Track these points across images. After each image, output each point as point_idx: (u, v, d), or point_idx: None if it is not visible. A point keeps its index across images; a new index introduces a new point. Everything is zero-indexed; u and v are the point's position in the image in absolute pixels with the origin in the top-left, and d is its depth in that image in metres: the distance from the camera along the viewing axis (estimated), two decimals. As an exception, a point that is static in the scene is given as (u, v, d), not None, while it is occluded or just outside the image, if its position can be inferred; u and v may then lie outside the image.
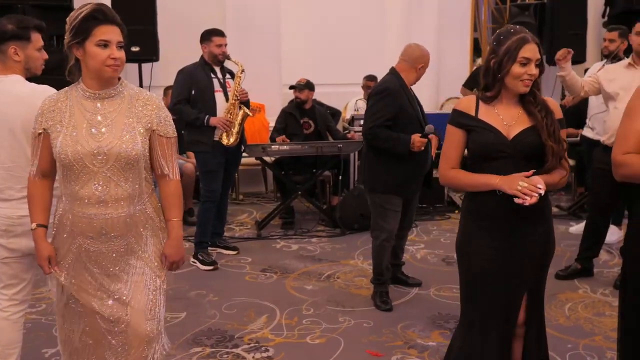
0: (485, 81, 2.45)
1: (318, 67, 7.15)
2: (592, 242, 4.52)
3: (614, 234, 5.21)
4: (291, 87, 6.25)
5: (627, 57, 4.49)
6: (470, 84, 7.15)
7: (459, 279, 2.56)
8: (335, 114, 7.14)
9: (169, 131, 2.34)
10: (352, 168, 6.38)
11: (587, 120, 5.68)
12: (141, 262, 2.34)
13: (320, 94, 6.86)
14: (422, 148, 3.90)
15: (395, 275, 4.41)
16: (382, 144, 3.95)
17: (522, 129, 2.39)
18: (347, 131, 6.58)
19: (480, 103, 2.46)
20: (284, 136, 6.05)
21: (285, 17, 7.38)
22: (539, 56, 2.35)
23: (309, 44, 7.49)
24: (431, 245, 5.26)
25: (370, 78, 6.87)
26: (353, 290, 4.35)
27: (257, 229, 5.72)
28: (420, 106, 4.19)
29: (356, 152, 6.18)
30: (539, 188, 2.23)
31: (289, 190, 5.95)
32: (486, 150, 2.41)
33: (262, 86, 7.00)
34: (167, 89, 6.05)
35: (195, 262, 4.80)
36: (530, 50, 2.33)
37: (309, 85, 6.15)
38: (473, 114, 2.45)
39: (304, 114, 6.21)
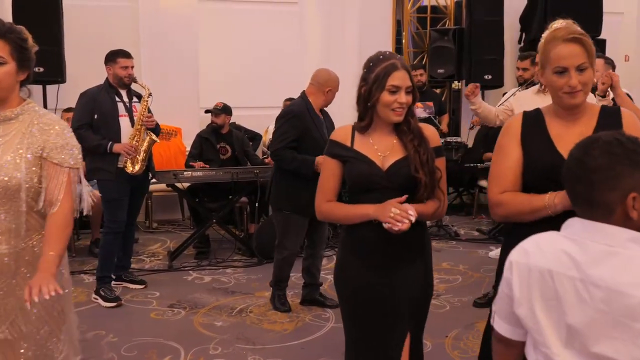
0: (359, 110, 2.35)
1: (237, 90, 6.98)
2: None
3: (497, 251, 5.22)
4: (207, 111, 6.04)
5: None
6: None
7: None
8: (255, 137, 6.96)
9: (65, 159, 2.08)
10: (271, 194, 6.18)
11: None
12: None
13: (240, 117, 6.67)
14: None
15: (313, 297, 4.40)
16: (287, 165, 4.09)
17: (396, 159, 2.31)
18: (266, 156, 6.41)
19: (356, 133, 2.37)
20: (202, 162, 5.80)
21: (203, 40, 7.18)
22: (409, 83, 2.27)
23: (228, 66, 7.31)
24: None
25: (291, 101, 6.74)
26: (266, 326, 4.12)
27: (169, 260, 5.43)
28: (331, 129, 4.16)
29: (274, 178, 6.00)
30: (410, 214, 2.14)
31: (204, 218, 5.70)
32: (361, 181, 2.32)
33: (178, 109, 6.77)
34: (66, 110, 5.79)
35: (96, 299, 4.47)
36: (399, 78, 2.24)
37: (225, 110, 5.94)
38: (348, 144, 2.35)
39: (221, 138, 5.99)
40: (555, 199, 1.96)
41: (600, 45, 6.81)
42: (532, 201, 2.04)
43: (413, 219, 2.15)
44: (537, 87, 4.45)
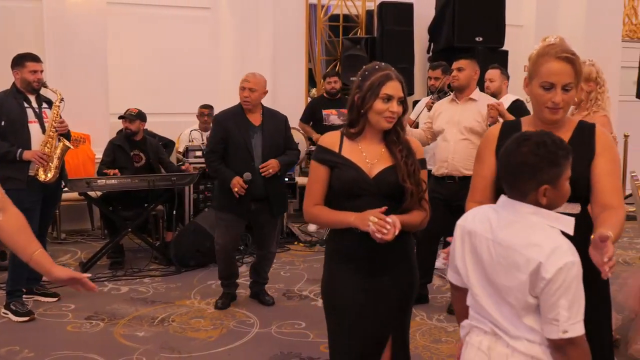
0: (350, 117, 2.42)
1: (149, 95, 6.83)
2: (424, 269, 4.62)
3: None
4: (120, 117, 5.85)
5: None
6: (306, 118, 7.20)
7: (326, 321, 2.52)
8: (168, 144, 6.81)
9: None
10: (187, 201, 6.08)
11: (425, 155, 5.88)
12: None
13: (153, 124, 6.51)
14: (237, 189, 4.24)
15: (254, 290, 4.72)
16: (212, 172, 4.55)
17: (384, 167, 2.37)
18: (181, 163, 6.29)
19: (345, 139, 2.43)
20: (116, 170, 5.59)
21: (112, 43, 6.96)
22: (401, 94, 2.35)
23: (139, 71, 7.13)
24: (270, 280, 5.09)
25: (206, 107, 6.67)
26: (190, 334, 4.05)
27: (82, 271, 5.21)
28: (269, 136, 4.39)
29: (191, 185, 5.92)
30: (388, 225, 2.20)
31: (118, 227, 5.52)
32: (348, 187, 2.37)
33: (87, 115, 6.52)
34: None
35: (7, 314, 4.23)
36: (393, 88, 2.32)
37: (140, 116, 5.77)
38: (337, 150, 2.41)
39: (134, 145, 5.81)
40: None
41: (502, 56, 7.17)
42: None
43: (396, 231, 2.21)
44: (451, 96, 4.65)
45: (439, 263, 5.05)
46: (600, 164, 2.16)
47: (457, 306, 2.07)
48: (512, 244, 1.76)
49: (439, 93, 5.49)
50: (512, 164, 1.80)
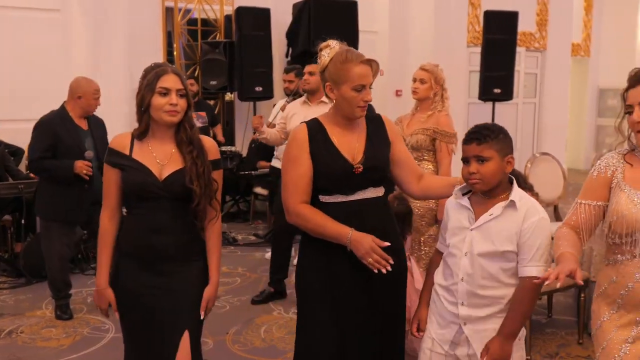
0: (137, 118, 2.41)
1: (-3, 102, 6.47)
2: (280, 264, 4.75)
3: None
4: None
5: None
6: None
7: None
8: (17, 152, 6.48)
9: None
10: (39, 210, 5.82)
11: (275, 152, 6.03)
12: None
13: (3, 131, 6.19)
14: (86, 170, 4.14)
15: None
16: (46, 173, 4.29)
17: (174, 169, 2.37)
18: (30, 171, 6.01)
19: (135, 141, 2.41)
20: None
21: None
22: (180, 86, 2.37)
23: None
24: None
25: (57, 113, 6.42)
26: (40, 344, 3.92)
27: None
28: (100, 140, 4.37)
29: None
30: (389, 264, 2.26)
31: (-39, 240, 5.20)
32: (137, 190, 2.36)
33: None
34: None
35: None
36: (170, 81, 2.34)
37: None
38: (127, 152, 2.39)
39: (-22, 152, 5.50)
40: (352, 236, 2.27)
41: (357, 60, 7.47)
42: (326, 227, 2.32)
43: (389, 268, 2.26)
44: (303, 98, 4.82)
45: (268, 255, 5.20)
46: (399, 148, 2.52)
47: None
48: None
49: (293, 96, 5.66)
50: (482, 134, 2.19)
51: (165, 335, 2.37)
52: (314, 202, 2.41)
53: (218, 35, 8.02)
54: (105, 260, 2.44)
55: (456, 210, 2.30)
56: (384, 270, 2.25)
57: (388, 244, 2.27)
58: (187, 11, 7.78)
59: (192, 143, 2.38)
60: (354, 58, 2.35)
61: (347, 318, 2.40)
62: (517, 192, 2.20)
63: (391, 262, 2.25)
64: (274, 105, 6.84)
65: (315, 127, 2.44)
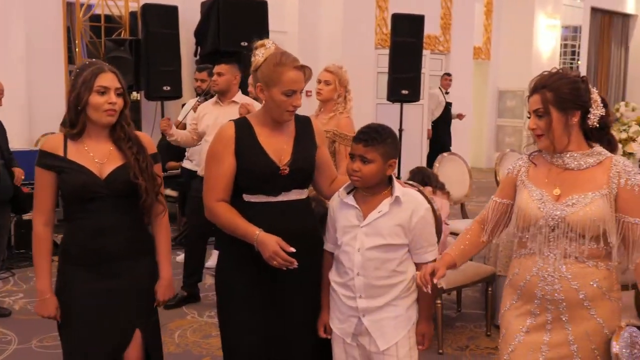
0: (70, 117, 2.32)
1: None
2: (194, 267, 4.66)
3: (215, 258, 5.47)
4: None
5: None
6: (66, 123, 6.82)
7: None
8: None
9: None
10: None
11: (187, 153, 5.92)
12: None
13: None
14: None
15: None
16: None
17: (115, 167, 2.32)
18: None
19: (69, 141, 2.32)
20: None
21: None
22: (118, 85, 2.32)
23: None
24: (32, 294, 4.77)
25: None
26: None
27: None
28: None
29: None
30: (294, 265, 2.25)
31: None
32: (79, 192, 2.28)
33: None
34: None
35: None
36: (107, 79, 2.29)
37: None
38: (61, 154, 2.30)
39: None
40: (258, 237, 2.26)
41: (267, 60, 7.44)
42: (237, 226, 2.32)
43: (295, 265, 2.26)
44: (215, 98, 4.75)
45: (210, 262, 5.11)
46: (323, 151, 2.56)
47: None
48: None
49: (205, 95, 5.57)
50: (372, 138, 2.30)
51: (116, 336, 2.33)
52: (238, 200, 2.39)
53: (123, 32, 7.76)
54: (46, 268, 2.35)
55: (343, 209, 2.39)
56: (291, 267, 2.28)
57: (293, 249, 2.24)
58: (90, 7, 7.48)
59: (130, 139, 2.34)
60: (288, 62, 2.34)
61: (273, 315, 2.40)
62: (399, 188, 2.35)
63: (295, 265, 2.25)
64: (183, 105, 6.72)
65: (243, 126, 2.42)
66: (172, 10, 7.27)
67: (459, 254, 2.33)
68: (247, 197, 2.39)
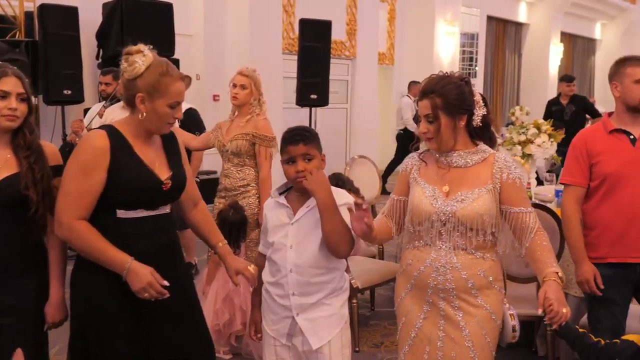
0: None
1: None
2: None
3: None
4: None
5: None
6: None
7: None
8: None
9: None
10: None
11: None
12: None
13: None
14: None
15: None
16: None
17: (6, 175, 2.20)
18: None
19: None
20: None
21: None
22: (21, 90, 2.22)
23: None
24: None
25: None
26: None
27: None
28: None
29: None
30: (164, 294, 2.15)
31: None
32: None
33: None
34: None
35: None
36: (9, 83, 2.19)
37: None
38: None
39: None
40: (130, 267, 2.12)
41: (175, 64, 7.25)
42: (105, 251, 2.14)
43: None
44: (122, 102, 4.58)
45: None
46: (187, 169, 2.48)
47: None
48: None
49: (111, 100, 5.38)
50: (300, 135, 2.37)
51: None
52: (109, 217, 2.21)
53: (18, 33, 7.38)
54: None
55: (273, 209, 2.42)
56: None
57: (167, 283, 2.15)
58: (-19, 6, 7.07)
59: (30, 148, 2.22)
60: (175, 74, 2.24)
61: (146, 345, 2.27)
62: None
63: (167, 296, 2.16)
64: (86, 110, 6.48)
65: (116, 137, 2.23)
66: (72, 11, 6.98)
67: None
68: (122, 214, 2.22)
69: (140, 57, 2.20)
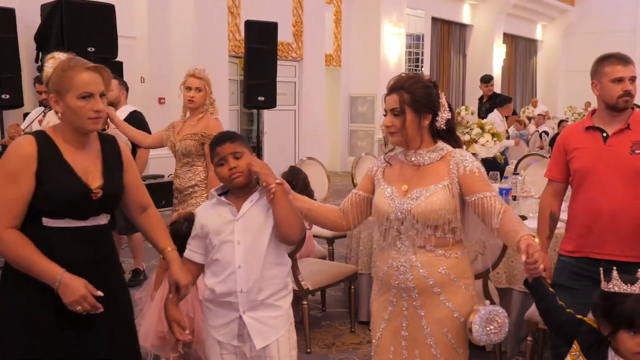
0: None
1: None
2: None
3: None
4: None
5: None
6: None
7: None
8: None
9: None
10: None
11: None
12: None
13: None
14: None
15: None
16: None
17: None
18: None
19: None
20: None
21: None
22: None
23: None
24: None
25: None
26: None
27: None
28: None
29: None
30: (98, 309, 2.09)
31: None
32: None
33: None
34: None
35: None
36: None
37: None
38: None
39: None
40: (62, 279, 2.05)
41: (118, 67, 7.13)
42: (35, 262, 2.07)
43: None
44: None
45: None
46: (131, 176, 2.38)
47: None
48: None
49: (50, 107, 5.23)
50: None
51: None
52: (35, 226, 2.13)
53: (-48, 36, 7.09)
54: None
55: (213, 209, 2.41)
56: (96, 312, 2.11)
57: (101, 293, 2.09)
58: None
59: None
60: (78, 65, 2.14)
61: (73, 340, 2.18)
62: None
63: (101, 310, 2.09)
64: (25, 115, 6.27)
65: (45, 143, 2.15)
66: (9, 13, 6.78)
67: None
68: (49, 222, 2.13)
69: (51, 62, 2.21)
